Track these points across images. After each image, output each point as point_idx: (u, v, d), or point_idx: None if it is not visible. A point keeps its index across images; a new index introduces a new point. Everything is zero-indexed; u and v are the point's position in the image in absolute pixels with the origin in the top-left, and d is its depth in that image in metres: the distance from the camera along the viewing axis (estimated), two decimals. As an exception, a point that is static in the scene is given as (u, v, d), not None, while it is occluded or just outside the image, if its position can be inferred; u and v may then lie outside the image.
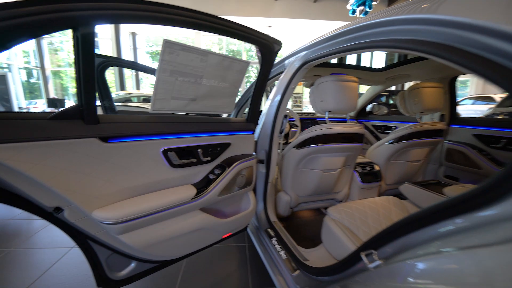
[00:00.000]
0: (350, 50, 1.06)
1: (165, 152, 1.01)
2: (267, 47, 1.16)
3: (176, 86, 1.02)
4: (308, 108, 9.20)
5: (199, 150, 1.11)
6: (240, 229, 1.45)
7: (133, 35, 10.47)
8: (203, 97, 1.12)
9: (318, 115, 3.27)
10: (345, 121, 1.61)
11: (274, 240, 1.45)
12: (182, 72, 1.00)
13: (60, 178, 0.78)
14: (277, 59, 1.77)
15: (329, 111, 1.49)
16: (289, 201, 1.73)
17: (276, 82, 1.64)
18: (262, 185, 1.61)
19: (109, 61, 1.76)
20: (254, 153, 1.38)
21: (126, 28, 9.67)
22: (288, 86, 1.46)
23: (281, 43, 1.22)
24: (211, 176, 1.18)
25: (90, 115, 0.80)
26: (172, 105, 1.04)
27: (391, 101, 7.49)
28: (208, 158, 1.16)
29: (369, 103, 3.23)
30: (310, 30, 9.67)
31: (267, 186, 1.59)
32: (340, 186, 1.84)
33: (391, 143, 1.96)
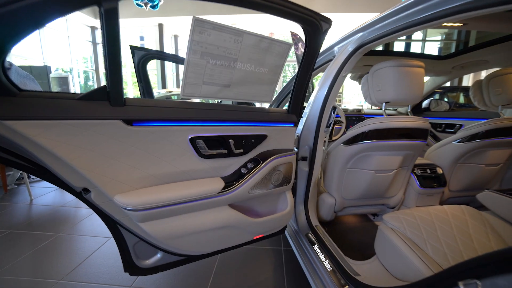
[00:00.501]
0: (418, 24, 0.89)
1: (193, 140, 0.92)
2: (314, 25, 0.99)
3: (207, 70, 0.91)
4: (344, 105, 8.66)
5: (230, 140, 0.99)
6: (275, 232, 1.31)
7: (175, 37, 10.97)
8: (238, 83, 1.00)
9: (365, 111, 2.96)
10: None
11: (316, 247, 1.27)
12: (214, 54, 0.89)
13: (85, 159, 0.76)
14: (323, 47, 1.58)
15: (387, 102, 1.26)
16: (333, 204, 1.53)
17: (320, 74, 1.46)
18: (304, 185, 1.44)
19: (150, 54, 1.76)
20: (295, 148, 1.23)
21: (169, 31, 10.15)
22: (339, 74, 1.27)
23: (331, 21, 1.04)
24: (243, 170, 1.06)
25: (116, 97, 0.76)
26: (204, 90, 0.94)
27: (446, 99, 6.64)
28: (241, 151, 1.04)
29: (426, 98, 2.83)
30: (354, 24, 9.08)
31: (309, 187, 1.42)
32: (394, 190, 1.59)
33: (460, 142, 1.63)
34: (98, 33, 7.91)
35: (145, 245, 1.05)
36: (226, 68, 0.94)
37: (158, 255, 1.10)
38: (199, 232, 1.03)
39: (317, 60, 1.17)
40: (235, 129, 1.00)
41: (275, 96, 1.99)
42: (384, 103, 1.28)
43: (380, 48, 2.73)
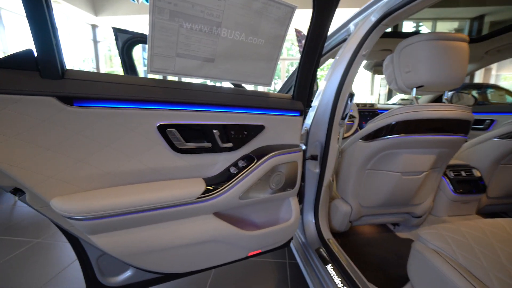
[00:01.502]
0: None
1: (162, 129, 0.70)
2: None
3: (181, 37, 0.68)
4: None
5: (215, 131, 0.77)
6: (276, 247, 1.07)
7: (93, 27, 9.84)
8: (225, 58, 0.77)
9: (378, 106, 2.66)
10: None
11: (330, 267, 1.03)
12: (189, 15, 0.67)
13: (5, 149, 0.56)
14: (332, 29, 1.33)
15: (419, 87, 1.00)
16: (348, 212, 1.28)
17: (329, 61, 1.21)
18: (314, 189, 1.20)
19: (136, 38, 1.56)
20: (302, 145, 0.99)
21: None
22: (357, 54, 1.03)
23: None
24: (233, 170, 0.84)
25: (48, 66, 0.56)
26: (179, 65, 0.71)
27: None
28: (230, 145, 0.82)
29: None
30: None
31: (320, 192, 1.18)
32: (422, 196, 1.32)
33: (502, 139, 1.34)
34: (99, 31, 7.78)
35: (112, 259, 0.85)
36: (207, 35, 0.71)
37: (129, 272, 0.90)
38: (175, 247, 0.81)
39: (325, 44, 0.92)
40: (221, 117, 0.77)
41: (279, 85, 1.70)
42: (414, 88, 1.01)
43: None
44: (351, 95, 1.09)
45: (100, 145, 0.65)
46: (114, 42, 1.51)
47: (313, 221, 1.24)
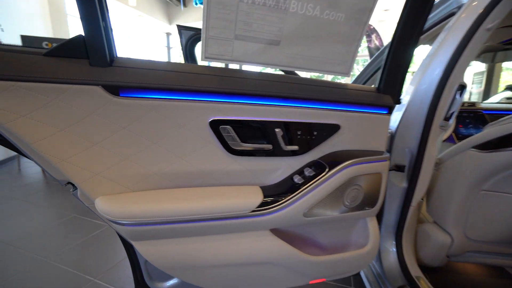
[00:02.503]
0: None
1: (215, 125, 0.59)
2: None
3: (241, 15, 0.56)
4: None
5: (277, 130, 0.63)
6: (344, 276, 0.86)
7: (167, 35, 10.15)
8: (294, 39, 0.61)
9: (481, 105, 2.09)
10: None
11: None
12: (253, -16, 0.53)
13: (53, 142, 0.52)
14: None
15: None
16: (447, 244, 0.98)
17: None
18: (396, 208, 0.95)
19: (199, 34, 1.55)
20: (386, 152, 0.77)
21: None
22: (477, 28, 0.75)
23: None
24: (297, 180, 0.69)
25: (97, 52, 0.49)
26: (238, 50, 0.59)
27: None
28: (294, 148, 0.66)
29: None
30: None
31: (407, 213, 0.92)
32: None
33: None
34: (172, 38, 8.45)
35: None
36: (272, 10, 0.57)
37: (175, 280, 0.84)
38: (223, 265, 0.69)
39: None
40: (286, 112, 0.62)
41: (354, 74, 1.42)
42: None
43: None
44: (463, 87, 0.80)
45: (148, 142, 0.57)
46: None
47: (394, 249, 0.98)
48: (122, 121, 0.53)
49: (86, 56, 0.49)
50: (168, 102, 0.54)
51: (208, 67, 0.59)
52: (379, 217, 0.95)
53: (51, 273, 1.46)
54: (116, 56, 0.53)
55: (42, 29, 4.20)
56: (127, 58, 0.54)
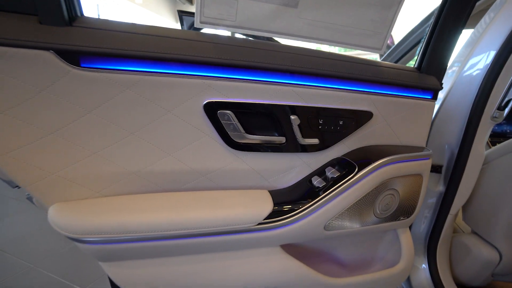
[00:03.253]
0: None
1: (212, 110, 0.45)
2: None
3: (248, -40, 0.42)
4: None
5: (293, 117, 0.48)
6: None
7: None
8: (315, 0, 0.47)
9: None
10: None
11: None
12: None
13: None
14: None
15: None
16: (494, 261, 0.82)
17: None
18: (430, 218, 0.80)
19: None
20: (428, 148, 0.62)
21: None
22: None
23: None
24: (317, 182, 0.54)
25: (48, 7, 0.36)
26: (243, 12, 0.46)
27: None
28: (314, 141, 0.52)
29: None
30: None
31: (443, 223, 0.77)
32: None
33: None
34: None
35: None
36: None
37: None
38: None
39: None
40: (304, 94, 0.48)
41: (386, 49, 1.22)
42: None
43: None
44: None
45: (123, 132, 0.43)
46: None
47: (425, 266, 0.82)
48: (86, 102, 0.40)
49: (35, 12, 0.36)
50: (149, 77, 0.40)
51: (203, 33, 0.45)
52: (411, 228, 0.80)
53: (38, 281, 1.35)
54: (82, 14, 0.40)
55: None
56: (95, 18, 0.40)
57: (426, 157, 0.58)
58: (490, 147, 1.21)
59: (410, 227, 0.86)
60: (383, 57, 1.15)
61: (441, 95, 0.78)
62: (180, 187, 0.50)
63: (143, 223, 0.43)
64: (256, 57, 0.44)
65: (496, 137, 1.25)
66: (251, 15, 0.46)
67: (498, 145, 0.81)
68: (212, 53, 0.42)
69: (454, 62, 0.80)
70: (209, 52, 0.42)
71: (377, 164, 0.53)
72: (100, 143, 0.43)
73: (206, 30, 0.48)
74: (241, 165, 0.51)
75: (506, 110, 0.67)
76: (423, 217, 0.84)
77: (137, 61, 0.39)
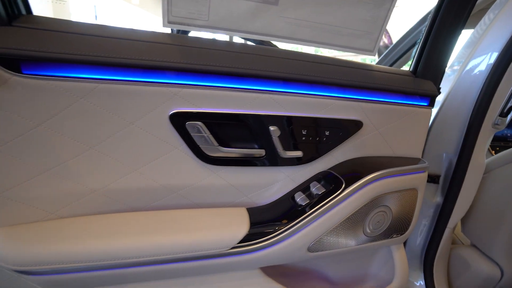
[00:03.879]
0: None
1: (180, 121, 0.40)
2: None
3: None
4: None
5: (272, 128, 0.44)
6: None
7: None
8: (298, -3, 0.43)
9: None
10: None
11: None
12: None
13: None
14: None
15: None
16: (495, 278, 0.77)
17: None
18: (427, 230, 0.76)
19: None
20: (424, 160, 0.58)
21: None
22: None
23: None
24: (300, 199, 0.49)
25: None
26: (216, 10, 0.41)
27: None
28: (297, 154, 0.47)
29: None
30: None
31: (440, 237, 0.72)
32: None
33: None
34: None
35: None
36: None
37: None
38: None
39: None
40: (285, 102, 0.44)
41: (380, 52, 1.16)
42: None
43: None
44: None
45: (80, 146, 0.38)
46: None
47: (422, 283, 0.77)
48: (34, 114, 0.35)
49: None
50: (105, 85, 0.36)
51: (169, 34, 0.40)
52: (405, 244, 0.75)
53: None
54: (29, 12, 0.35)
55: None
56: (42, 16, 0.35)
57: (421, 170, 0.54)
58: (491, 153, 1.16)
59: (405, 241, 0.81)
60: (380, 58, 1.09)
61: (440, 98, 0.73)
62: (148, 204, 0.45)
63: (100, 250, 0.38)
64: (229, 61, 0.39)
65: (496, 141, 1.20)
66: (225, 14, 0.41)
67: (500, 153, 0.76)
68: (177, 57, 0.37)
69: (453, 63, 0.75)
70: (174, 56, 0.37)
71: (367, 180, 0.48)
72: (54, 159, 0.38)
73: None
74: (217, 181, 0.46)
75: (509, 116, 0.63)
76: (419, 230, 0.79)
77: (90, 67, 0.34)
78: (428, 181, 0.72)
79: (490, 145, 1.20)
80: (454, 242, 0.90)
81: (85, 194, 0.41)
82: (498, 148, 1.21)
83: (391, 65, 1.02)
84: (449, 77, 0.74)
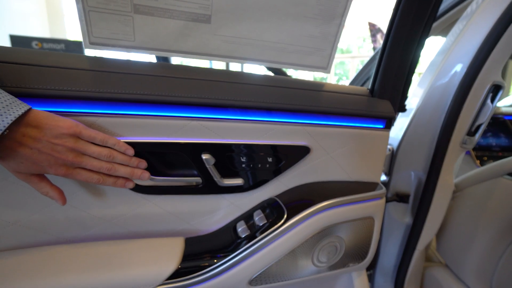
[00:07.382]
0: None
1: None
2: None
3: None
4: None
5: (205, 157, 0.40)
6: None
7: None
8: (235, 12, 0.40)
9: (502, 110, 1.73)
10: None
11: None
12: None
13: None
14: None
15: None
16: None
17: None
18: (398, 251, 0.72)
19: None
20: (381, 185, 0.54)
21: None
22: None
23: None
24: (240, 229, 0.46)
25: None
26: (142, 30, 0.38)
27: None
28: (239, 181, 0.44)
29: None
30: None
31: (410, 258, 0.69)
32: None
33: None
34: None
35: None
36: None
37: None
38: None
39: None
40: (217, 129, 0.40)
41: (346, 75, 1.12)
42: None
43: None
44: (498, 88, 0.56)
45: None
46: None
47: None
48: None
49: None
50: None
51: (82, 56, 0.37)
52: (373, 260, 0.71)
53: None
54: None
55: (38, 29, 4.09)
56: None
57: (377, 197, 0.50)
58: (476, 163, 1.12)
59: (376, 261, 0.78)
60: (353, 77, 1.03)
61: (412, 106, 0.69)
62: (81, 234, 0.42)
63: None
64: (149, 86, 0.36)
65: (481, 151, 1.15)
66: (153, 34, 0.38)
67: (470, 173, 0.72)
68: (89, 83, 0.34)
69: (426, 71, 0.71)
70: (87, 84, 0.34)
71: (314, 210, 0.44)
72: None
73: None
74: (153, 209, 0.43)
75: (477, 135, 0.59)
76: (390, 250, 0.76)
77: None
78: (397, 201, 0.69)
79: (475, 155, 1.15)
80: (430, 259, 0.87)
81: (4, 226, 0.38)
82: (485, 158, 1.16)
83: (366, 81, 0.96)
84: (423, 86, 0.70)
